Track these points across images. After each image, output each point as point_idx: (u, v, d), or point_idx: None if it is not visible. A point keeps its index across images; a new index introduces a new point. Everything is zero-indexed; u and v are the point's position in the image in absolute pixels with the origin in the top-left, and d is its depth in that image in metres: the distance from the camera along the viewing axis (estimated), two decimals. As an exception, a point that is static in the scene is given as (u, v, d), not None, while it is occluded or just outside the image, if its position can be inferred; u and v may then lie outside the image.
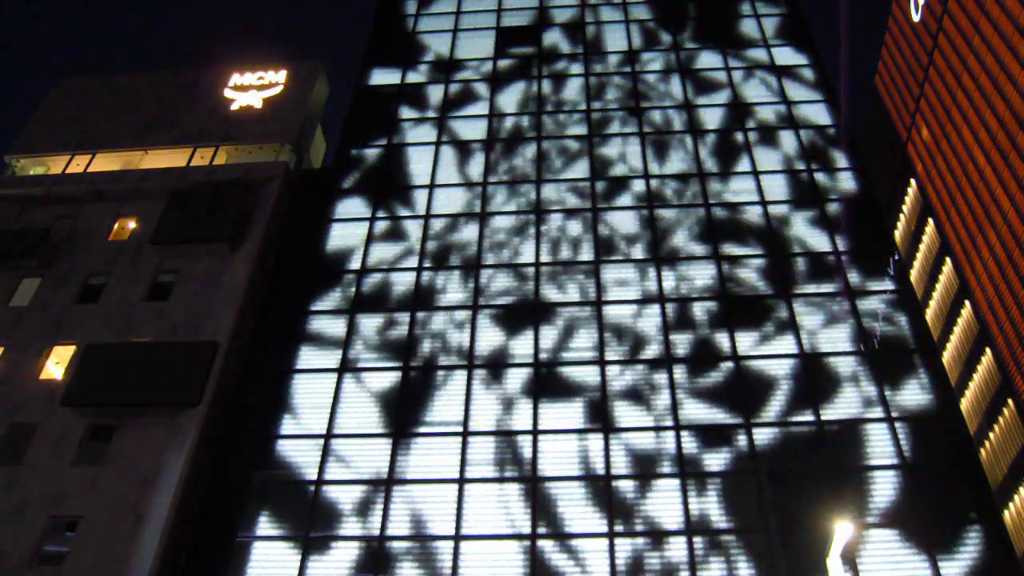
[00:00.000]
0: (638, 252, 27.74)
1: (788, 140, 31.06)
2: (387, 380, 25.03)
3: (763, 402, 23.41)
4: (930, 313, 42.53)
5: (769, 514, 21.10)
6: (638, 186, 29.94)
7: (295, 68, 37.66)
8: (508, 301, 26.70)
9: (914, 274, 45.24)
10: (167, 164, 34.55)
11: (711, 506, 21.40)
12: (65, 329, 28.25)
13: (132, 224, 31.93)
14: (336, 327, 26.60)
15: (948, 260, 40.92)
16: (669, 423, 23.09)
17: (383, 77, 36.00)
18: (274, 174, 32.29)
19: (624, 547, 20.88)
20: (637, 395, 23.83)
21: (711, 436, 22.75)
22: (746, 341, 24.89)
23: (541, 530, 21.37)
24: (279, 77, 37.05)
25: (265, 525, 22.19)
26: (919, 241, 45.02)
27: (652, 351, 24.85)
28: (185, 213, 30.76)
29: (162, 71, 39.16)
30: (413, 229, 29.37)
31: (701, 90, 33.57)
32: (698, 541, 20.75)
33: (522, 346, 25.44)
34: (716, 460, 22.25)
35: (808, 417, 22.92)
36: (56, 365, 27.73)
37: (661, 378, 24.15)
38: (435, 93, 34.85)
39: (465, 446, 23.20)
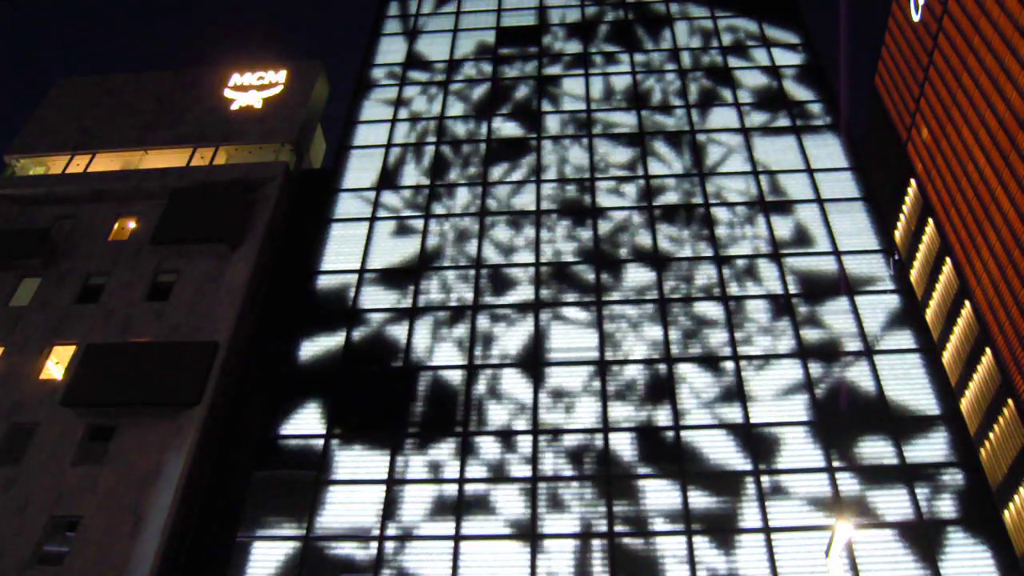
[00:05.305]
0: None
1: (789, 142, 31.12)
2: (386, 380, 25.02)
3: (763, 400, 23.44)
4: (930, 313, 42.52)
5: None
6: (637, 187, 29.96)
7: (295, 68, 37.64)
8: (509, 301, 26.71)
9: (914, 274, 45.23)
10: (167, 164, 34.53)
11: (710, 503, 21.49)
12: (65, 329, 28.24)
13: (132, 224, 31.92)
14: (335, 327, 26.60)
15: (948, 260, 40.91)
16: (670, 424, 23.15)
17: (382, 78, 36.02)
18: (274, 174, 32.27)
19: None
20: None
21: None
22: (749, 349, 24.92)
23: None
24: (279, 77, 37.03)
25: (265, 525, 22.18)
26: (919, 241, 45.01)
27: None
28: (185, 213, 30.75)
29: (162, 71, 39.13)
30: (413, 227, 29.39)
31: (702, 88, 33.58)
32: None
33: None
34: (721, 455, 22.29)
35: (807, 416, 22.94)
36: (56, 365, 27.72)
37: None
38: (434, 94, 34.85)
39: (466, 443, 23.21)
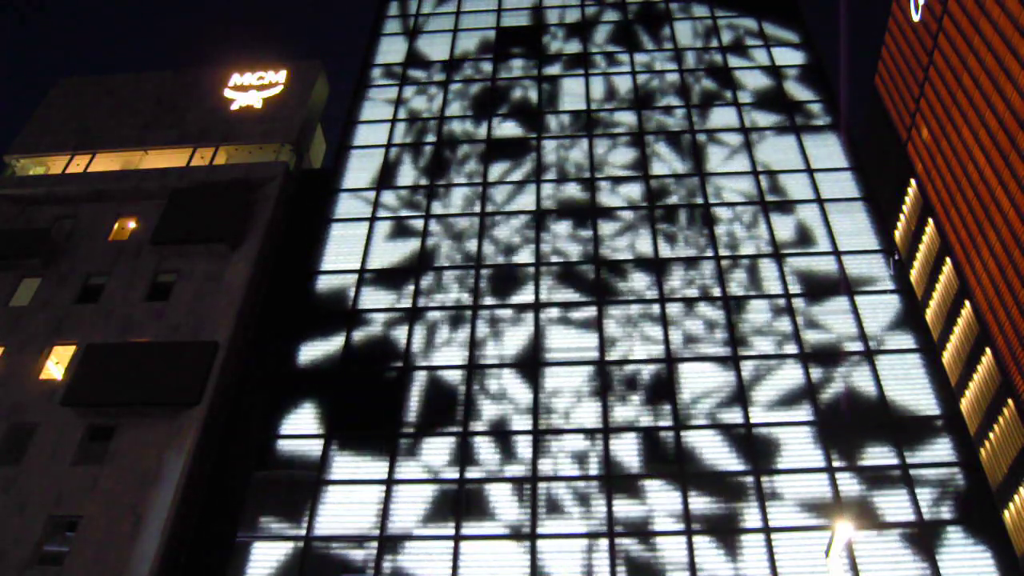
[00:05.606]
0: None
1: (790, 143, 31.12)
2: (386, 380, 25.03)
3: (763, 401, 23.43)
4: (930, 313, 42.52)
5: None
6: (637, 187, 29.97)
7: (295, 68, 37.65)
8: (509, 301, 26.69)
9: (914, 274, 45.23)
10: (167, 164, 34.55)
11: (709, 504, 21.49)
12: (65, 329, 28.25)
13: (132, 224, 31.93)
14: (335, 327, 26.60)
15: (948, 260, 40.92)
16: (669, 423, 23.16)
17: (381, 78, 36.03)
18: (274, 174, 32.27)
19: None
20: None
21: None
22: (749, 350, 24.93)
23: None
24: (279, 77, 37.04)
25: (265, 525, 22.18)
26: (919, 241, 45.01)
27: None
28: (185, 213, 30.75)
29: (162, 71, 39.15)
30: (413, 227, 29.40)
31: (702, 88, 33.58)
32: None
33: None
34: (721, 456, 22.29)
35: (807, 417, 22.93)
36: (56, 365, 27.72)
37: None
38: (434, 94, 34.85)
39: (465, 441, 23.22)
